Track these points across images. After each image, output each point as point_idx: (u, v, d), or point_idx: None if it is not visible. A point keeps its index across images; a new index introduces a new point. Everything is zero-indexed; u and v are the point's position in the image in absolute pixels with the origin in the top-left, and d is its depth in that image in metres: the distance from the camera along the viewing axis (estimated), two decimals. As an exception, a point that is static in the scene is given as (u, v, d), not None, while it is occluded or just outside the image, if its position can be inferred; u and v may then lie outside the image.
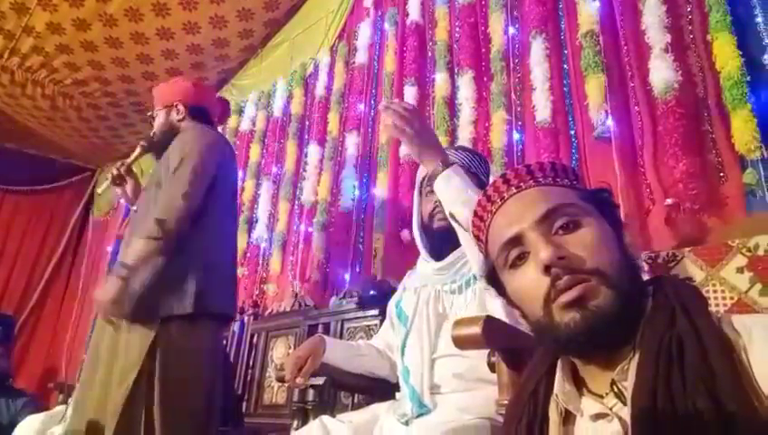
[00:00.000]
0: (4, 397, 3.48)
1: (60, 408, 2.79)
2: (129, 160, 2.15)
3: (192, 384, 1.75)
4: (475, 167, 1.45)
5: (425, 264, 1.50)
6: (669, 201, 1.75)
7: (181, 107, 2.10)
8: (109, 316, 1.71)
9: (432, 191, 1.36)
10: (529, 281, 0.70)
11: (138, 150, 2.13)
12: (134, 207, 1.98)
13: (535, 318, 0.70)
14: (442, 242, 1.42)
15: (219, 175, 1.93)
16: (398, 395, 1.42)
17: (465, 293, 1.35)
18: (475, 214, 0.81)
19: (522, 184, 0.76)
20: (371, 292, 2.33)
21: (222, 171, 1.95)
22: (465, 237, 1.24)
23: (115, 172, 2.11)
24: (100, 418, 1.66)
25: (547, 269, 0.66)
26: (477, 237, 0.81)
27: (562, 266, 0.66)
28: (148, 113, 2.17)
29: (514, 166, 0.81)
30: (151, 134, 2.14)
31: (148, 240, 1.71)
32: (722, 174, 1.69)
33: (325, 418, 1.32)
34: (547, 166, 0.77)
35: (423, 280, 1.48)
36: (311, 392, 1.62)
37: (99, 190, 2.13)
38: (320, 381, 1.53)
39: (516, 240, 0.71)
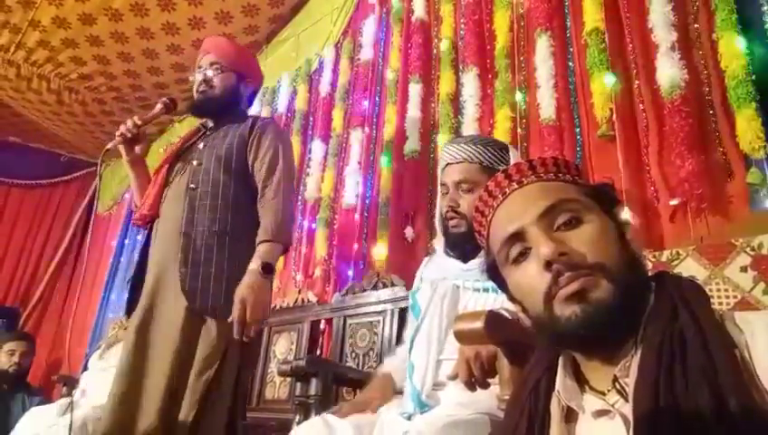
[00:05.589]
0: (21, 393, 3.49)
1: (64, 400, 2.81)
2: (147, 117, 1.96)
3: (242, 381, 1.78)
4: (488, 160, 1.38)
5: (446, 257, 1.43)
6: (676, 201, 1.74)
7: (252, 87, 2.03)
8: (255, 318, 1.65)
9: (446, 193, 1.39)
10: (530, 277, 0.69)
11: (158, 108, 1.96)
12: (195, 162, 1.86)
13: (536, 313, 0.70)
14: (455, 244, 1.40)
15: None
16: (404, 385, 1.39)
17: (489, 296, 1.28)
18: (477, 209, 0.80)
19: (523, 179, 0.75)
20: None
21: None
22: None
23: (131, 127, 1.89)
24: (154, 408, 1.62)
25: (548, 265, 0.66)
26: (479, 232, 0.81)
27: (564, 262, 0.66)
28: (213, 63, 1.94)
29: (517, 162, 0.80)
30: (202, 81, 1.92)
31: (277, 244, 1.74)
32: (726, 173, 1.69)
33: (327, 414, 1.31)
34: (549, 161, 0.76)
35: (442, 272, 1.41)
36: (312, 388, 1.62)
37: (109, 146, 2.00)
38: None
39: (518, 236, 0.71)
